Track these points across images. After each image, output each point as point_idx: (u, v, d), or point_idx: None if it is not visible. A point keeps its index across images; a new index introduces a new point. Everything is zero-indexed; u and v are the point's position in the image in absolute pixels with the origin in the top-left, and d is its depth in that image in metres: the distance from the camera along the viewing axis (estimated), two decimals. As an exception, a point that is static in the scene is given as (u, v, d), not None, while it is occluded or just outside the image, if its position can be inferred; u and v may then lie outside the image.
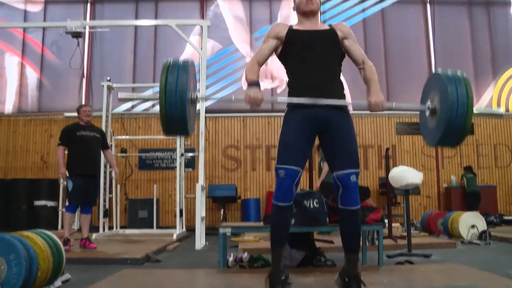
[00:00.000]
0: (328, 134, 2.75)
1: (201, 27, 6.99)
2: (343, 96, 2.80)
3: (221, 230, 3.81)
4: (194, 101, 2.71)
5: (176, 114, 2.51)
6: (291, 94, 2.79)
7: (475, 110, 2.64)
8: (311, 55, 2.77)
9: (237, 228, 4.02)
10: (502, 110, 2.61)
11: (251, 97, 2.66)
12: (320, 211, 3.85)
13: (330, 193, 3.40)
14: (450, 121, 2.58)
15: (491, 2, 11.58)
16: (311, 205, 3.80)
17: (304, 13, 2.89)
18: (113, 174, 6.33)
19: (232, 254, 4.19)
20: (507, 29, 11.52)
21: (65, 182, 5.83)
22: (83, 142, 5.68)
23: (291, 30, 2.86)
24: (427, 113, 2.80)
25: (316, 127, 2.74)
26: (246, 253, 4.15)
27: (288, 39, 2.83)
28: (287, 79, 2.87)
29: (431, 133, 2.82)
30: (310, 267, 3.99)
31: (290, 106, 2.79)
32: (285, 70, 2.92)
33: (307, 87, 2.73)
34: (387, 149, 6.39)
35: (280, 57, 2.92)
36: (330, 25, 2.93)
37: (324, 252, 4.22)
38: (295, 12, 2.97)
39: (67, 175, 5.61)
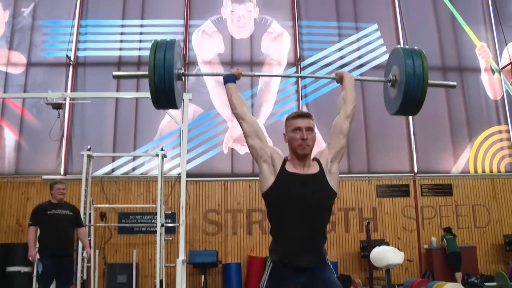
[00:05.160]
0: None
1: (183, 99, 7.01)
2: (324, 255, 2.62)
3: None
4: (180, 77, 2.99)
5: (164, 87, 2.78)
6: (278, 250, 2.56)
7: (430, 86, 2.93)
8: (303, 209, 2.52)
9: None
10: (455, 82, 2.85)
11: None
12: None
13: None
14: (408, 91, 2.86)
15: (464, 69, 12.03)
16: None
17: (297, 155, 2.62)
18: (84, 254, 6.16)
19: None
20: (479, 94, 11.93)
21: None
22: (54, 221, 5.48)
23: (283, 169, 2.59)
24: (389, 84, 3.07)
25: None
26: None
27: (280, 177, 2.58)
28: (273, 227, 2.64)
29: (392, 102, 3.06)
30: None
31: (271, 274, 2.57)
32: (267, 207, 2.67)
33: (294, 247, 2.52)
34: (368, 223, 6.43)
35: (266, 195, 2.61)
36: (316, 160, 2.66)
37: None
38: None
39: (38, 257, 5.39)
